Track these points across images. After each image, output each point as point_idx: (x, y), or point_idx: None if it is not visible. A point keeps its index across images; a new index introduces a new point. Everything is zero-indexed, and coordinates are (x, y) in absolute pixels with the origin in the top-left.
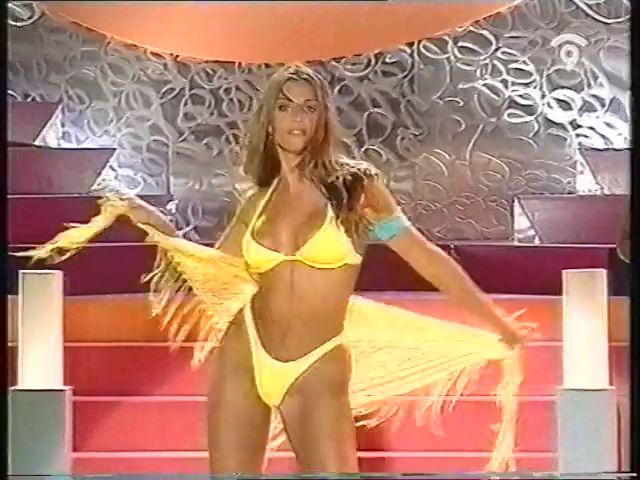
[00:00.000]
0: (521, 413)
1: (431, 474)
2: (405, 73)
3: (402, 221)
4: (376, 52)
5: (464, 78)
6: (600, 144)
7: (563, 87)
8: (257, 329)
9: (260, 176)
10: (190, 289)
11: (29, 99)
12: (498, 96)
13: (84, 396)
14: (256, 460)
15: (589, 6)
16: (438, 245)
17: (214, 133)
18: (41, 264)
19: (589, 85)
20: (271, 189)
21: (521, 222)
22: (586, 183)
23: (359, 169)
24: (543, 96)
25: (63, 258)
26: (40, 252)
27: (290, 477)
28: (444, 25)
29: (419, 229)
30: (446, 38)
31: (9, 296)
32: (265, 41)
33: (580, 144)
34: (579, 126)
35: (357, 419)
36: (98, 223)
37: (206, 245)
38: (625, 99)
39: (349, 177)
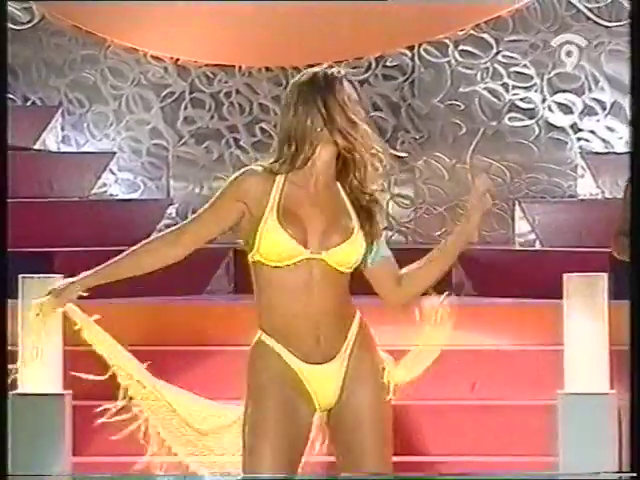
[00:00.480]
0: (523, 417)
1: (433, 474)
2: (406, 77)
3: (385, 249)
4: (376, 55)
5: (465, 82)
6: (601, 148)
7: (564, 91)
8: (285, 346)
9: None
10: None
11: (29, 103)
12: (499, 100)
13: (84, 400)
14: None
15: (590, 9)
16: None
17: (214, 137)
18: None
19: (590, 89)
20: (282, 179)
21: (522, 226)
22: (587, 187)
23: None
24: (544, 100)
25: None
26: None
27: (297, 478)
28: (445, 28)
29: (420, 233)
30: (447, 41)
31: (9, 300)
32: (266, 44)
33: (581, 148)
34: (580, 130)
35: None
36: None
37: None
38: (626, 103)
39: (372, 196)
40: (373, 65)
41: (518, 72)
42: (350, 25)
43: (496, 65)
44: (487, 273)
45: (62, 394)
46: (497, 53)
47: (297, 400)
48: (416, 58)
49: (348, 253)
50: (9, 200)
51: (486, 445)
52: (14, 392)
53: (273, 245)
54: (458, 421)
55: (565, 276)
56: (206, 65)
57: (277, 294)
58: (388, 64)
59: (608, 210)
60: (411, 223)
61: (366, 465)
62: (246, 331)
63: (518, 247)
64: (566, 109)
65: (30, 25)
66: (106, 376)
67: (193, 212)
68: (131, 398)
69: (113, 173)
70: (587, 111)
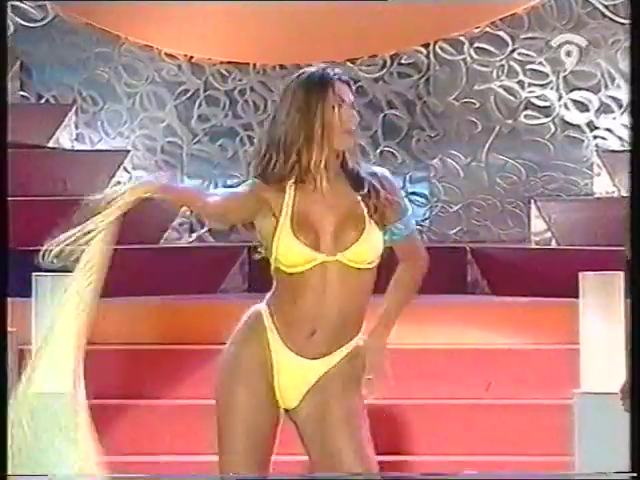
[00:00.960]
0: (538, 416)
1: (437, 474)
2: (421, 74)
3: (412, 223)
4: (392, 53)
5: (480, 79)
6: (617, 146)
7: (580, 88)
8: (277, 329)
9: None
10: None
11: (43, 101)
12: (514, 97)
13: (96, 399)
14: (264, 464)
15: (606, 7)
16: (454, 248)
17: (229, 135)
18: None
19: (606, 86)
20: (292, 187)
21: (537, 224)
22: (603, 185)
23: (376, 170)
24: (560, 97)
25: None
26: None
27: (291, 478)
28: (460, 26)
29: (435, 231)
30: (462, 39)
31: (22, 299)
32: (280, 42)
33: (597, 146)
34: (596, 127)
35: None
36: (125, 203)
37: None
38: None
39: (371, 177)
40: (388, 63)
41: (534, 70)
42: (365, 23)
43: (512, 63)
44: (502, 272)
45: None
46: (513, 51)
47: (266, 393)
48: (431, 56)
49: (363, 250)
50: (23, 199)
51: (501, 444)
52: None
53: (288, 253)
54: (473, 420)
55: (581, 275)
56: (220, 63)
57: (296, 296)
58: (403, 62)
59: (624, 208)
60: (426, 222)
61: (335, 461)
62: None
63: (534, 245)
64: (582, 107)
65: (44, 23)
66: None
67: None
68: None
69: (127, 171)
70: (603, 109)
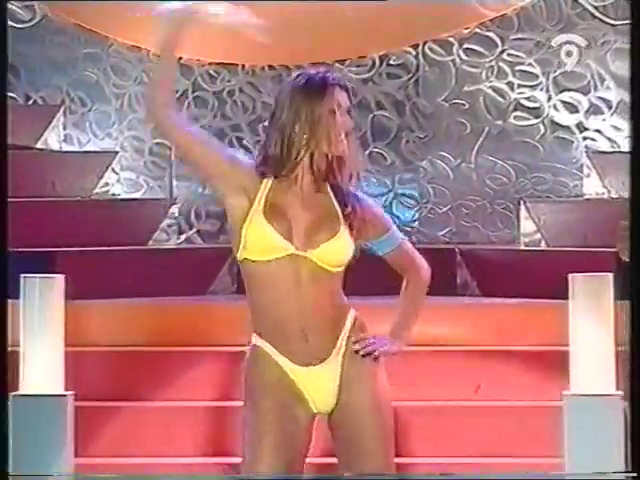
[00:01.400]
0: (528, 418)
1: (437, 474)
2: (410, 75)
3: (397, 237)
4: (381, 54)
5: (469, 80)
6: (607, 147)
7: (570, 89)
8: (278, 349)
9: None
10: None
11: (31, 101)
12: (504, 98)
13: (86, 401)
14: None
15: (596, 7)
16: (443, 249)
17: (217, 136)
18: None
19: (596, 87)
20: (270, 179)
21: (527, 226)
22: (593, 186)
23: (358, 194)
24: (549, 98)
25: None
26: None
27: (291, 478)
28: (449, 27)
29: (424, 232)
30: (451, 40)
31: (10, 300)
32: (269, 43)
33: (587, 147)
34: (586, 129)
35: None
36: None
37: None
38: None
39: (354, 197)
40: (377, 64)
41: (523, 71)
42: (354, 23)
43: (501, 64)
44: (492, 273)
45: (64, 395)
46: (502, 52)
47: (294, 403)
48: (420, 57)
49: (334, 251)
50: (11, 200)
51: (490, 446)
52: (15, 393)
53: (258, 238)
54: (462, 422)
55: (570, 276)
56: (209, 64)
57: (265, 293)
58: (392, 62)
59: (614, 209)
60: (415, 223)
61: (368, 466)
62: (249, 331)
63: (523, 247)
64: (572, 108)
65: (32, 23)
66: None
67: (196, 211)
68: None
69: (115, 172)
70: (593, 110)
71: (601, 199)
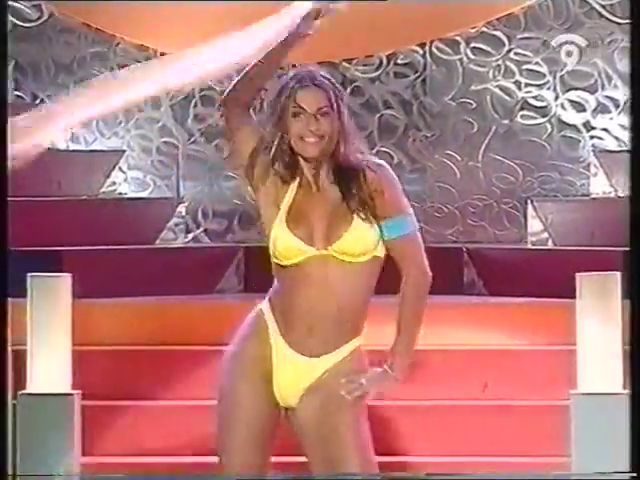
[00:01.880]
0: (535, 417)
1: (438, 474)
2: (417, 74)
3: (407, 226)
4: (388, 53)
5: (476, 79)
6: (614, 146)
7: (577, 88)
8: (277, 323)
9: (282, 175)
10: None
11: (37, 101)
12: (511, 97)
13: (93, 400)
14: (264, 464)
15: (603, 6)
16: (450, 248)
17: (224, 135)
18: None
19: (603, 86)
20: (296, 183)
21: (534, 225)
22: (600, 185)
23: (363, 163)
24: (557, 97)
25: None
26: None
27: (291, 478)
28: (456, 26)
29: (431, 232)
30: (458, 39)
31: (17, 300)
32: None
33: (594, 146)
34: (593, 128)
35: None
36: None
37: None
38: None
39: (363, 170)
40: (384, 63)
41: (530, 70)
42: (361, 22)
43: (508, 63)
44: (499, 272)
45: (71, 394)
46: (509, 51)
47: (267, 390)
48: (428, 56)
49: (350, 242)
50: (18, 199)
51: (497, 446)
52: (23, 392)
53: (281, 246)
54: (469, 421)
55: (578, 275)
56: None
57: (290, 289)
58: (399, 62)
59: (621, 209)
60: (422, 222)
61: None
62: None
63: (530, 246)
64: (579, 107)
65: (39, 23)
66: None
67: (203, 211)
68: None
69: (122, 171)
70: (600, 109)
71: (608, 198)
